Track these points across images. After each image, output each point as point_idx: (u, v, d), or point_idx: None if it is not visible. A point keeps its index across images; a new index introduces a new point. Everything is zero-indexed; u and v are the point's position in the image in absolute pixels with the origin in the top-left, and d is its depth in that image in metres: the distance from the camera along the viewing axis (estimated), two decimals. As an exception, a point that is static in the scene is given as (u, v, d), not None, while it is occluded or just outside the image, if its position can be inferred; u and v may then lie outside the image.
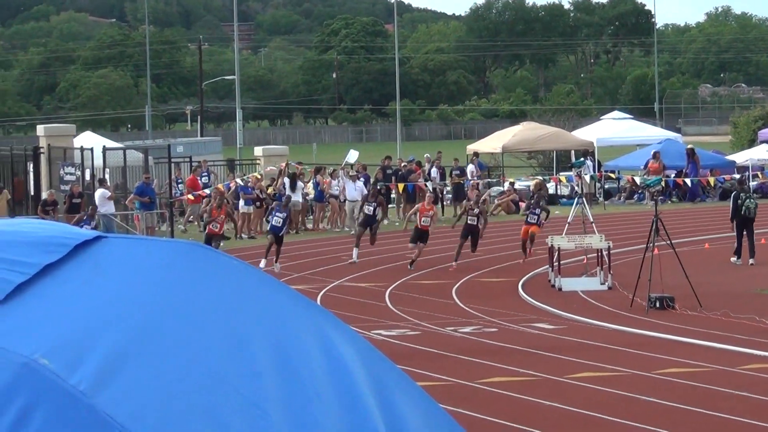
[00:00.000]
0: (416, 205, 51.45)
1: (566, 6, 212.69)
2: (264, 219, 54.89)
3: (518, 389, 34.52)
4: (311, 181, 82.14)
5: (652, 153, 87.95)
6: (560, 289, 50.88)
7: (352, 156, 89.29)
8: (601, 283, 53.32)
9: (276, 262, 43.08)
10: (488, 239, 71.10)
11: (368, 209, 54.90)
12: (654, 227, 48.94)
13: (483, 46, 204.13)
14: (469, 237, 44.35)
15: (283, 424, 3.57)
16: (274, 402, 3.63)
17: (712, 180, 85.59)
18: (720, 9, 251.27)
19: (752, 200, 66.36)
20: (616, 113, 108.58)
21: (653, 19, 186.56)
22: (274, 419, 3.55)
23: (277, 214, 42.94)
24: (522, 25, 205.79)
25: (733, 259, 62.79)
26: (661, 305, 46.19)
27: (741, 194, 65.75)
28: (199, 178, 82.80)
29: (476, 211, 38.69)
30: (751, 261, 62.78)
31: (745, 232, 64.40)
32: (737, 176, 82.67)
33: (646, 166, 74.55)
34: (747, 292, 48.67)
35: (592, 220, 58.46)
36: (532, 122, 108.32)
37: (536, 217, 46.26)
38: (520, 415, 31.70)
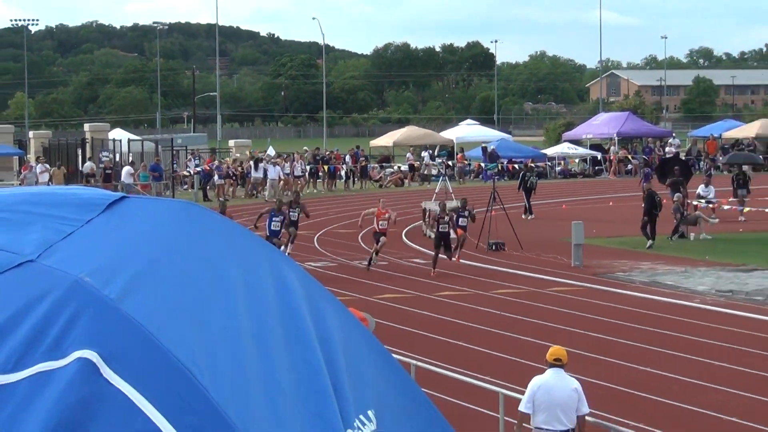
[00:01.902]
0: (372, 209, 42.91)
1: (437, 49, 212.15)
2: (254, 225, 42.10)
3: (401, 303, 34.53)
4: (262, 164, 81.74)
5: (488, 148, 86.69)
6: (430, 237, 50.26)
7: (271, 150, 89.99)
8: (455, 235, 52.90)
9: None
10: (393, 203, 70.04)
11: (443, 228, 40.99)
12: (492, 196, 49.33)
13: (381, 74, 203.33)
14: (442, 245, 37.53)
15: (247, 322, 3.64)
16: (242, 309, 3.69)
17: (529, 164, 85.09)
18: (538, 52, 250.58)
19: (534, 177, 68.67)
20: (468, 121, 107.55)
21: (495, 59, 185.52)
22: (242, 320, 3.61)
23: (274, 219, 37.19)
24: (408, 61, 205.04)
25: (524, 216, 61.30)
26: (496, 248, 46.27)
27: (527, 173, 67.38)
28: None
29: (446, 219, 37.33)
30: (531, 217, 62.94)
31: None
32: (532, 164, 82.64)
33: (490, 156, 73.34)
34: (553, 240, 48.39)
35: (451, 191, 58.20)
36: (414, 126, 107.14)
37: (465, 220, 42.13)
38: (403, 320, 32.79)
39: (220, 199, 65.82)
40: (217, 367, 3.52)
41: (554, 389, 15.63)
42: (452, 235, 41.56)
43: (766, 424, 22.29)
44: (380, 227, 38.66)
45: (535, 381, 15.99)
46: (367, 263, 38.29)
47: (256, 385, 3.58)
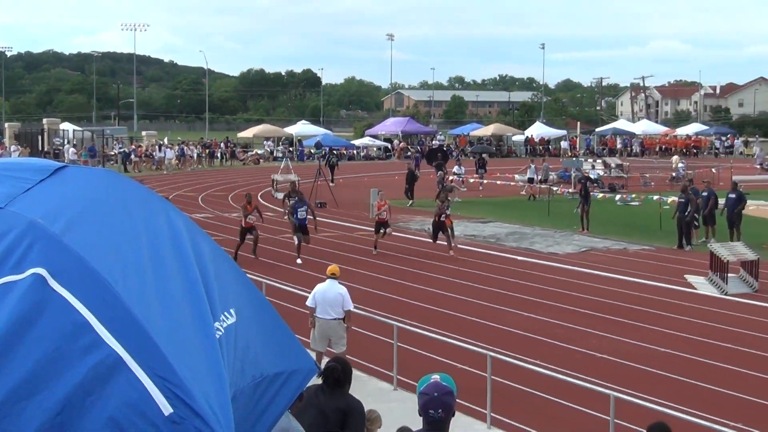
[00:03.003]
0: (374, 201, 35.41)
1: (283, 73, 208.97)
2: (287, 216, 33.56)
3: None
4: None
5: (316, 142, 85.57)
6: (278, 199, 49.79)
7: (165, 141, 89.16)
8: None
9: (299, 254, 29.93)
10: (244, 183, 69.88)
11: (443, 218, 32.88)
12: (318, 172, 49.22)
13: (245, 90, 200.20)
14: (440, 231, 31.58)
15: (147, 250, 3.65)
16: (144, 240, 3.68)
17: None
18: (351, 76, 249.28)
19: (335, 158, 68.57)
20: (303, 121, 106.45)
21: (321, 80, 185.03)
22: (145, 248, 3.61)
23: (299, 209, 29.87)
24: (263, 81, 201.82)
25: (330, 184, 60.56)
26: (320, 206, 45.72)
27: (331, 156, 65.84)
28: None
29: (448, 212, 31.58)
30: (332, 184, 58.31)
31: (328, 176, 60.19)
32: (337, 150, 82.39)
33: (317, 145, 71.86)
34: (359, 201, 47.70)
35: (291, 167, 58.00)
36: (267, 124, 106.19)
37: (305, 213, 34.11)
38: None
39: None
40: (127, 279, 3.60)
41: (327, 292, 16.92)
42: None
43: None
44: (380, 216, 32.49)
45: (317, 287, 17.20)
46: (374, 248, 32.19)
47: (153, 292, 3.66)
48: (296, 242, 30.54)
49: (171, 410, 3.38)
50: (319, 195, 49.29)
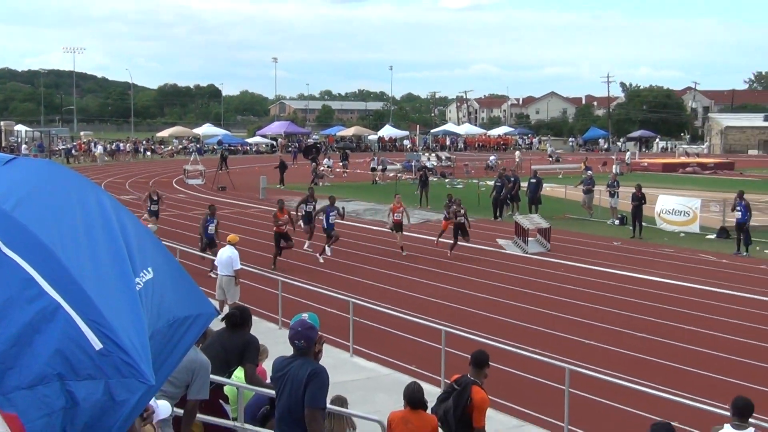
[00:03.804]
0: (390, 205, 28.23)
1: (191, 87, 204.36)
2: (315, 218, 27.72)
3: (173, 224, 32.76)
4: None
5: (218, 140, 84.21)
6: (188, 184, 48.71)
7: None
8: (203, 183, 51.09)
9: (328, 246, 24.79)
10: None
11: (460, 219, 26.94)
12: (220, 163, 48.12)
13: (163, 99, 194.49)
14: (459, 231, 26.04)
15: (81, 223, 3.57)
16: (78, 215, 3.58)
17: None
18: (245, 90, 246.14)
19: (227, 152, 62.72)
20: (208, 124, 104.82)
21: (222, 92, 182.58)
22: (78, 221, 3.53)
23: (331, 213, 24.91)
24: (176, 92, 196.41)
25: (221, 171, 59.33)
26: (221, 189, 44.89)
27: (224, 151, 61.17)
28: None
29: (462, 212, 26.10)
30: (227, 170, 57.50)
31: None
32: (230, 146, 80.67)
33: (218, 142, 70.77)
34: (252, 186, 47.32)
35: (199, 159, 57.04)
36: (179, 126, 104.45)
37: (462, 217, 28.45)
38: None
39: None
40: (65, 245, 3.56)
41: (222, 255, 17.19)
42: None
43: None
44: (395, 218, 26.36)
45: (220, 251, 17.69)
46: (401, 249, 25.95)
47: (86, 254, 3.61)
48: (333, 239, 25.23)
49: (101, 345, 3.39)
50: (218, 181, 48.90)
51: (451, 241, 25.87)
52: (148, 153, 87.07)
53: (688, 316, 18.32)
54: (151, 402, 4.47)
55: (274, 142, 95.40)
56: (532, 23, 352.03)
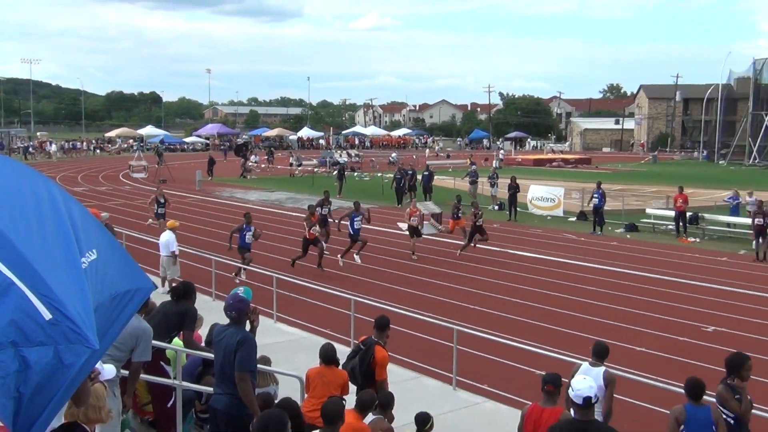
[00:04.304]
0: (407, 209, 24.10)
1: (136, 93, 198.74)
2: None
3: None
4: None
5: (160, 139, 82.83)
6: (133, 177, 47.62)
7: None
8: (146, 176, 49.96)
9: (357, 254, 20.66)
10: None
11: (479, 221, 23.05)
12: (159, 159, 47.08)
13: (110, 104, 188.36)
14: (477, 233, 22.53)
15: (33, 209, 3.46)
16: (30, 202, 3.47)
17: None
18: (183, 97, 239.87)
19: (162, 149, 63.88)
20: (150, 126, 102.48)
21: (162, 99, 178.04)
22: (30, 209, 3.43)
23: (356, 219, 20.91)
24: (122, 98, 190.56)
25: (158, 166, 58.28)
26: (162, 182, 43.96)
27: (159, 148, 61.24)
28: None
29: (480, 213, 22.65)
30: (163, 166, 57.09)
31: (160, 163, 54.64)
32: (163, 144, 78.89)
33: (161, 141, 70.07)
34: (189, 179, 46.40)
35: (142, 155, 55.72)
36: (125, 128, 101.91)
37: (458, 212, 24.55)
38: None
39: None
40: (18, 228, 3.48)
41: (162, 238, 16.94)
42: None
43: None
44: (411, 222, 22.51)
45: (161, 235, 17.34)
46: (412, 253, 22.11)
47: (37, 237, 3.53)
48: (359, 246, 20.74)
49: (50, 316, 3.36)
50: (159, 174, 47.93)
51: (463, 242, 22.63)
52: (98, 151, 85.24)
53: (552, 283, 18.77)
54: (97, 365, 4.36)
55: (208, 141, 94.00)
56: (427, 42, 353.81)
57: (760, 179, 50.28)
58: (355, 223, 20.66)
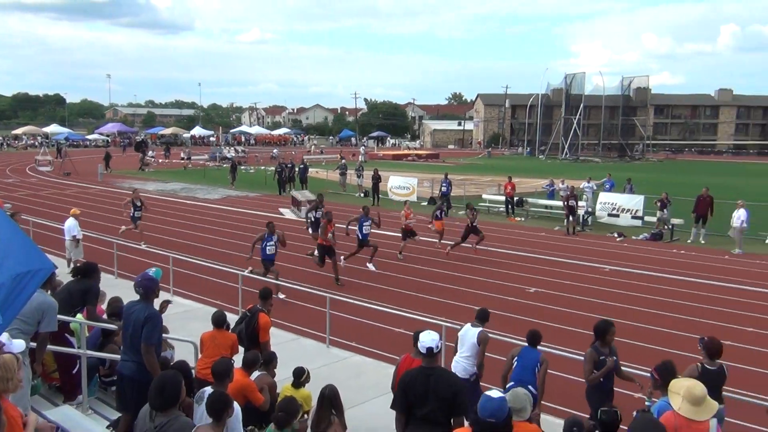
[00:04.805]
0: (402, 211, 19.80)
1: (41, 95, 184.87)
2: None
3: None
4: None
5: (64, 137, 77.76)
6: (39, 170, 44.45)
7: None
8: (51, 170, 46.78)
9: (370, 262, 17.34)
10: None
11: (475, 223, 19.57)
12: (57, 153, 44.19)
13: (18, 104, 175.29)
14: (472, 233, 19.33)
15: None
16: None
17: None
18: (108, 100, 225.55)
19: (65, 145, 58.64)
20: (55, 125, 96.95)
21: (66, 99, 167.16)
22: None
23: (365, 223, 17.24)
24: (29, 101, 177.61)
25: (57, 159, 54.88)
26: (67, 174, 41.23)
27: (59, 144, 57.18)
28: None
29: (475, 215, 19.59)
30: (62, 161, 53.77)
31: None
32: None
33: (66, 138, 65.71)
34: (93, 172, 43.92)
35: (48, 151, 51.95)
36: (32, 126, 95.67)
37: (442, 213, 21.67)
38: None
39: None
40: None
41: (66, 224, 15.62)
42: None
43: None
44: (406, 224, 19.29)
45: (66, 221, 15.79)
46: (399, 252, 18.86)
47: None
48: (370, 252, 17.49)
49: None
50: (64, 168, 45.20)
51: (452, 242, 19.83)
52: (5, 147, 79.45)
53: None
54: (4, 339, 4.07)
55: (109, 139, 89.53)
56: (304, 54, 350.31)
57: (570, 170, 52.98)
58: (364, 227, 17.38)
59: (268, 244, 14.14)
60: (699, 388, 4.97)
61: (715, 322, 13.06)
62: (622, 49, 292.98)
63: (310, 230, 17.16)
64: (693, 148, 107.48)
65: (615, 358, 6.96)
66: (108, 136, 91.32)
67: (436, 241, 20.45)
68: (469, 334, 7.65)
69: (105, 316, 8.40)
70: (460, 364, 7.64)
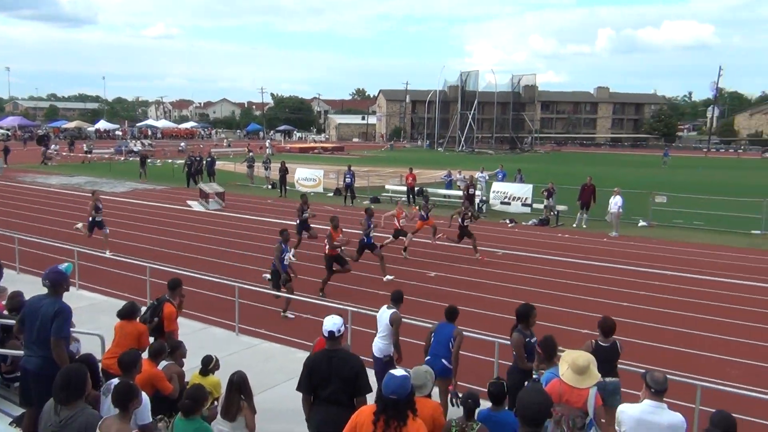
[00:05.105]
0: (392, 211, 18.09)
1: None
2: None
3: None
4: None
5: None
6: None
7: None
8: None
9: (384, 272, 14.87)
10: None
11: (467, 222, 17.79)
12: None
13: None
14: (465, 234, 17.60)
15: None
16: None
17: None
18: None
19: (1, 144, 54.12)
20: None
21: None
22: None
23: (370, 226, 15.15)
24: None
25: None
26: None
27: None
28: None
29: (469, 214, 17.92)
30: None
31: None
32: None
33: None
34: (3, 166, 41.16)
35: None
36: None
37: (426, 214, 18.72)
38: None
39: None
40: None
41: None
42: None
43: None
44: (400, 224, 17.65)
45: None
46: (404, 251, 17.34)
47: None
48: (380, 260, 15.08)
49: None
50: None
51: (451, 242, 18.32)
52: None
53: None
54: None
55: (9, 132, 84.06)
56: (210, 49, 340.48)
57: (466, 161, 54.24)
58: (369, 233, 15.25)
59: (285, 255, 12.26)
60: (583, 358, 5.20)
61: (595, 298, 13.69)
62: (512, 50, 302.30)
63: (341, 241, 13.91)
64: (575, 141, 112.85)
65: (535, 338, 7.00)
66: (8, 129, 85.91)
67: (429, 241, 19.00)
68: (383, 315, 7.67)
69: (5, 312, 7.91)
70: (377, 345, 7.66)
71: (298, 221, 17.18)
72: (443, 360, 7.17)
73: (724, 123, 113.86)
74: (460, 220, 17.84)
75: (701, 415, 6.51)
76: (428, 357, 7.21)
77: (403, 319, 8.01)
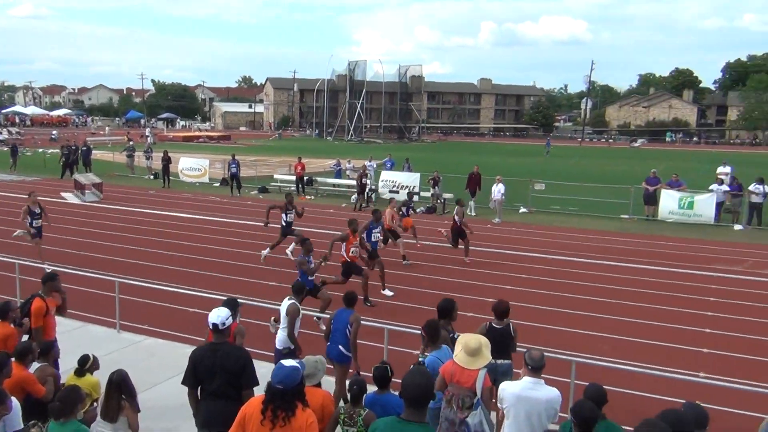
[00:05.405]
0: (386, 209, 16.38)
1: None
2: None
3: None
4: None
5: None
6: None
7: None
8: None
9: (385, 286, 13.08)
10: None
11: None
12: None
13: None
14: (460, 238, 16.06)
15: None
16: None
17: None
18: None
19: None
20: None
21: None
22: None
23: (374, 230, 13.45)
24: None
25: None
26: None
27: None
28: None
29: (463, 214, 16.54)
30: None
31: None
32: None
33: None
34: None
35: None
36: None
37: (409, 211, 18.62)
38: None
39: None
40: None
41: None
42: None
43: None
44: (391, 226, 16.27)
45: None
46: (403, 258, 15.77)
47: None
48: (380, 272, 13.28)
49: None
50: None
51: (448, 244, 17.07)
52: None
53: (203, 238, 18.44)
54: None
55: None
56: (85, 33, 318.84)
57: (355, 150, 54.72)
58: (372, 235, 13.67)
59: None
60: (475, 341, 5.39)
61: (478, 282, 14.17)
62: (399, 40, 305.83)
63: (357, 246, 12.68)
64: (461, 131, 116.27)
65: (457, 334, 6.75)
66: None
67: (415, 242, 17.90)
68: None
69: None
70: (279, 337, 7.62)
71: (283, 224, 15.68)
72: (340, 346, 7.24)
73: (597, 114, 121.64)
74: (456, 220, 16.33)
75: (576, 389, 6.92)
76: (328, 344, 7.36)
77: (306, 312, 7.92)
